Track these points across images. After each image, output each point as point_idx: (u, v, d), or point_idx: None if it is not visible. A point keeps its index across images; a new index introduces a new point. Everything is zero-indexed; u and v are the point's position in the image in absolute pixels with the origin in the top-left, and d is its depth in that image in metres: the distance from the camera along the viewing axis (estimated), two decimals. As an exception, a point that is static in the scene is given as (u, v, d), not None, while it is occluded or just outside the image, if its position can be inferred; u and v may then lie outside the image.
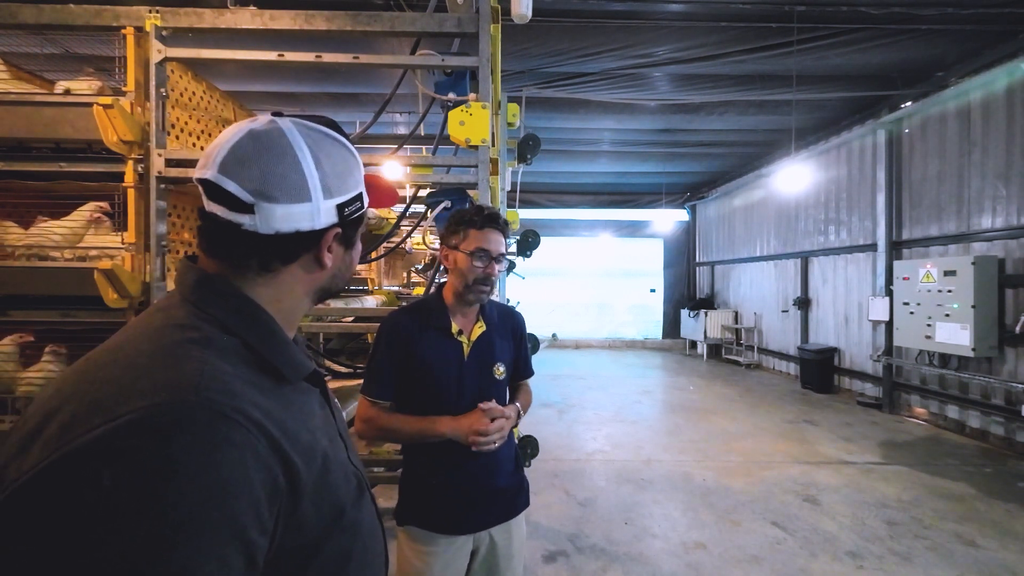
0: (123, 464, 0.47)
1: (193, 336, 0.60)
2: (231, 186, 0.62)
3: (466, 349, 1.53)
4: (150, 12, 1.95)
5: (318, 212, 0.67)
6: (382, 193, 0.83)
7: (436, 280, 2.79)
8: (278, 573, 0.57)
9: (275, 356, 0.65)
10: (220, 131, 0.78)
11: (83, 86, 2.15)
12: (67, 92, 2.12)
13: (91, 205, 2.12)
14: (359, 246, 0.79)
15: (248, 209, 0.63)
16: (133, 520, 0.45)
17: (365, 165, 0.80)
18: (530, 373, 1.73)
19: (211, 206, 0.65)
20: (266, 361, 0.64)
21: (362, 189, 0.74)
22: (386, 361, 1.49)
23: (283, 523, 0.56)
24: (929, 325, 5.72)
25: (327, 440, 0.67)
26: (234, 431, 0.53)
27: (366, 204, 0.76)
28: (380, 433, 1.47)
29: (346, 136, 0.74)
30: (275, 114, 0.69)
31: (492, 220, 1.50)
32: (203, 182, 0.64)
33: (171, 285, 2.02)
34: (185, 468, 0.49)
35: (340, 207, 0.70)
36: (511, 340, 1.64)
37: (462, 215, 1.53)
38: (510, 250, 6.15)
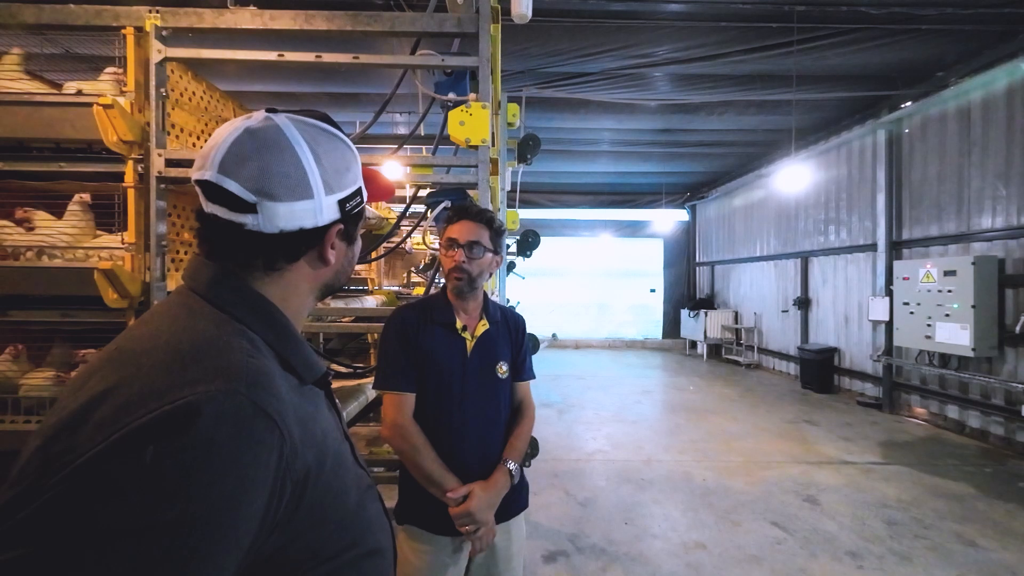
0: (173, 447, 0.48)
1: (229, 330, 0.60)
2: (232, 186, 0.61)
3: (469, 345, 1.53)
4: (150, 12, 1.95)
5: (320, 209, 0.66)
6: (378, 187, 0.82)
7: (436, 280, 2.79)
8: (294, 571, 0.58)
9: (292, 356, 0.65)
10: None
11: (87, 86, 2.14)
12: (79, 92, 2.11)
13: (76, 198, 2.09)
14: (359, 241, 0.79)
15: (250, 209, 0.62)
16: (166, 502, 0.47)
17: (364, 165, 0.81)
18: (529, 376, 1.67)
19: (210, 207, 0.63)
20: (285, 361, 0.64)
21: (361, 184, 0.74)
22: (400, 352, 1.49)
23: (290, 523, 0.56)
24: (929, 325, 5.71)
25: (336, 441, 0.68)
26: (270, 433, 0.54)
27: (365, 199, 0.76)
28: (407, 450, 1.43)
29: (341, 130, 0.73)
30: (269, 111, 0.68)
31: (462, 212, 1.54)
32: (202, 183, 0.63)
33: (171, 285, 2.02)
34: (220, 460, 0.49)
35: (341, 203, 0.69)
36: (512, 340, 1.64)
37: (444, 217, 1.60)
38: (509, 249, 6.15)
